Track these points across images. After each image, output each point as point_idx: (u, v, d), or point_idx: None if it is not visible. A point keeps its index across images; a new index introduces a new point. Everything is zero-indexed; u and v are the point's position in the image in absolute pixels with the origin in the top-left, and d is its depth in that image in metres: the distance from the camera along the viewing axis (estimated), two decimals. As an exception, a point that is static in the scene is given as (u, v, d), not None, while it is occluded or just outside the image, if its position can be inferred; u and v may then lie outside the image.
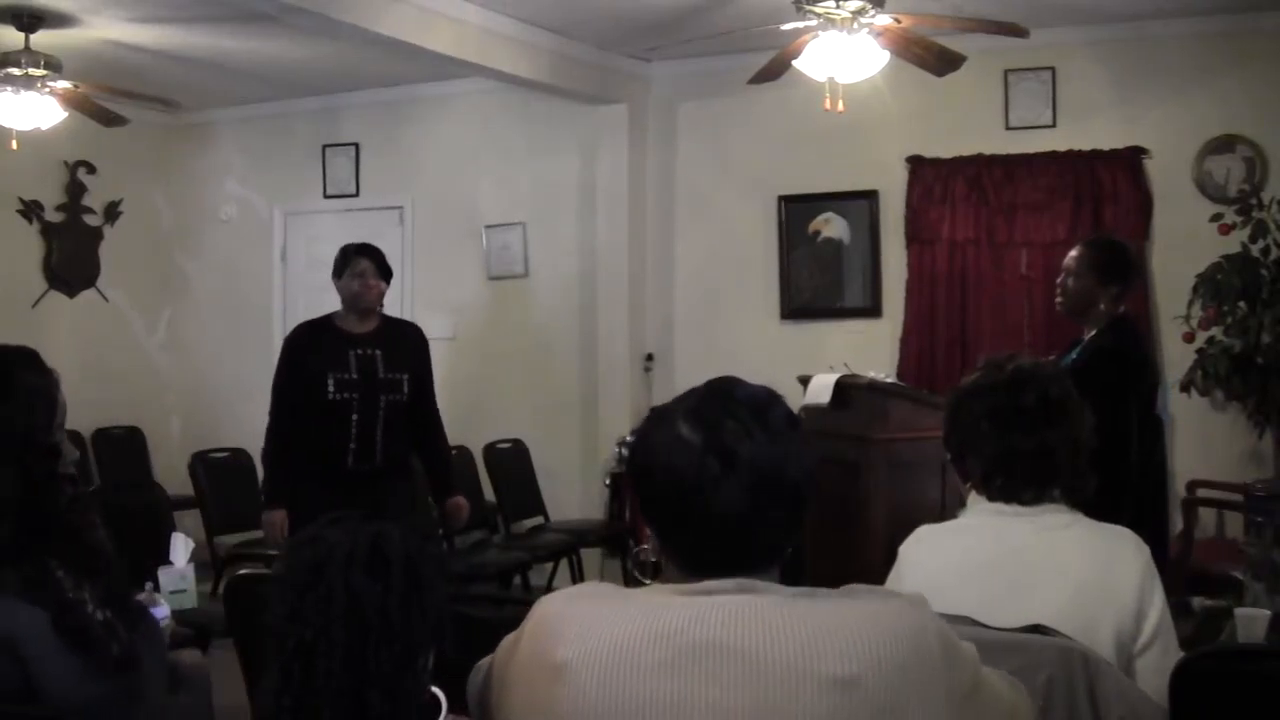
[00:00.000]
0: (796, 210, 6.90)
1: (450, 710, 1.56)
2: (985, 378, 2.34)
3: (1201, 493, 5.73)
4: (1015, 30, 4.80)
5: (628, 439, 6.04)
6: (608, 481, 6.99)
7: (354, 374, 4.36)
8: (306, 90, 7.69)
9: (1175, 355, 5.90)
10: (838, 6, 4.66)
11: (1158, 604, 2.15)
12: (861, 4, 4.66)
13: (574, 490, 7.18)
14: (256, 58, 6.85)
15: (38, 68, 5.82)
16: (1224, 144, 6.10)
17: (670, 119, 7.22)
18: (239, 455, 6.60)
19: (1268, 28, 5.97)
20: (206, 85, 7.44)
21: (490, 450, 6.83)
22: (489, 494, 6.70)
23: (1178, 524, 5.43)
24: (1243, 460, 5.89)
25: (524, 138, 7.45)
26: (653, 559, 1.60)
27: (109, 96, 6.13)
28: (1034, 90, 6.42)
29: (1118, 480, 3.13)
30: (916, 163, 6.60)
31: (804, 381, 5.18)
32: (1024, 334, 6.16)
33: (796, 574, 1.55)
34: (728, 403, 1.54)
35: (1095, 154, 6.26)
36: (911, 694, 1.42)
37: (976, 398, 2.31)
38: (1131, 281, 4.04)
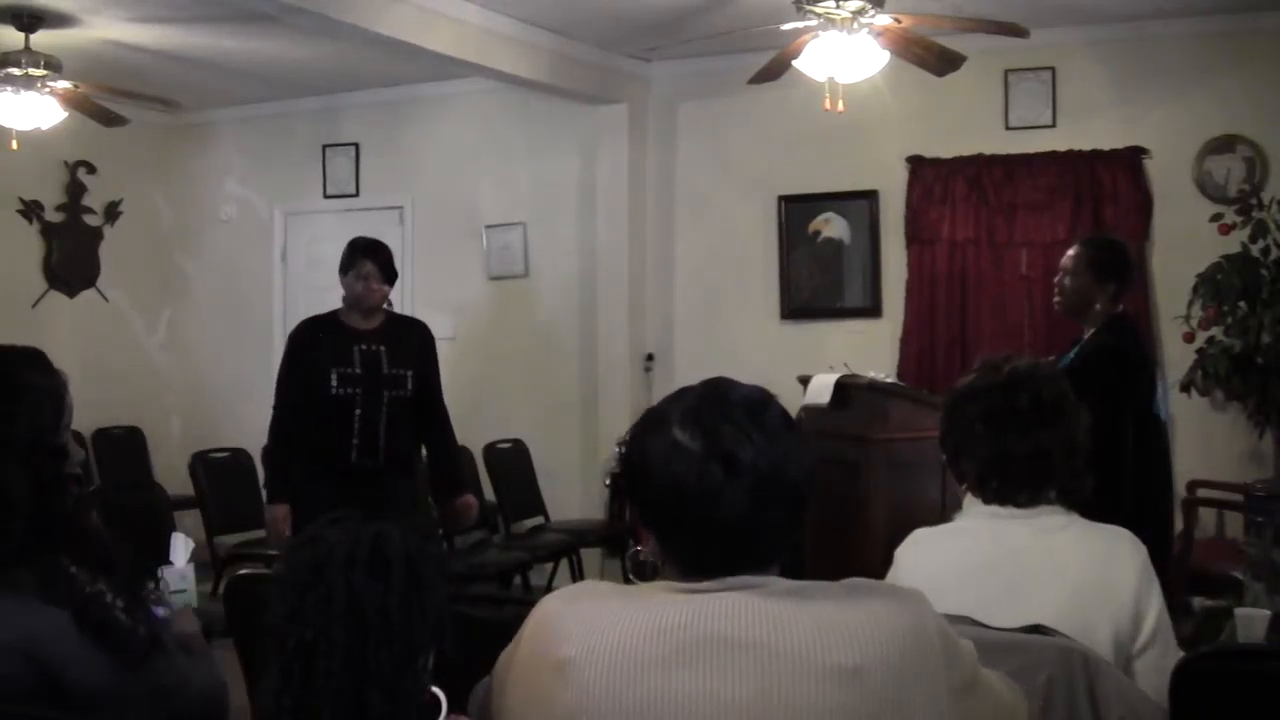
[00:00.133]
0: (796, 210, 6.90)
1: (450, 710, 1.56)
2: (980, 379, 2.32)
3: (1201, 493, 5.73)
4: (1015, 30, 4.80)
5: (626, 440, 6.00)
6: (608, 481, 6.99)
7: (357, 369, 4.36)
8: (306, 90, 7.69)
9: (1175, 355, 5.90)
10: (838, 6, 4.66)
11: (1156, 604, 2.15)
12: (861, 4, 4.66)
13: (574, 490, 7.18)
14: (256, 58, 6.85)
15: (38, 68, 5.82)
16: (1224, 144, 6.10)
17: (670, 119, 7.22)
18: (239, 455, 6.60)
19: (1268, 28, 5.97)
20: (206, 85, 7.44)
21: (490, 450, 6.83)
22: (489, 494, 6.70)
23: (1178, 524, 5.43)
24: (1243, 460, 5.89)
25: (524, 138, 7.45)
26: (650, 559, 1.60)
27: (109, 96, 6.13)
28: (1034, 90, 6.42)
29: (1114, 480, 3.13)
30: (916, 163, 6.60)
31: (804, 381, 5.18)
32: (1024, 334, 6.16)
33: (797, 574, 1.55)
34: (724, 406, 1.53)
35: (1095, 154, 6.26)
36: (914, 686, 1.43)
37: (971, 399, 2.30)
38: (1129, 280, 4.04)
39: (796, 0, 4.71)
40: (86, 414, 7.07)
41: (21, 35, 5.86)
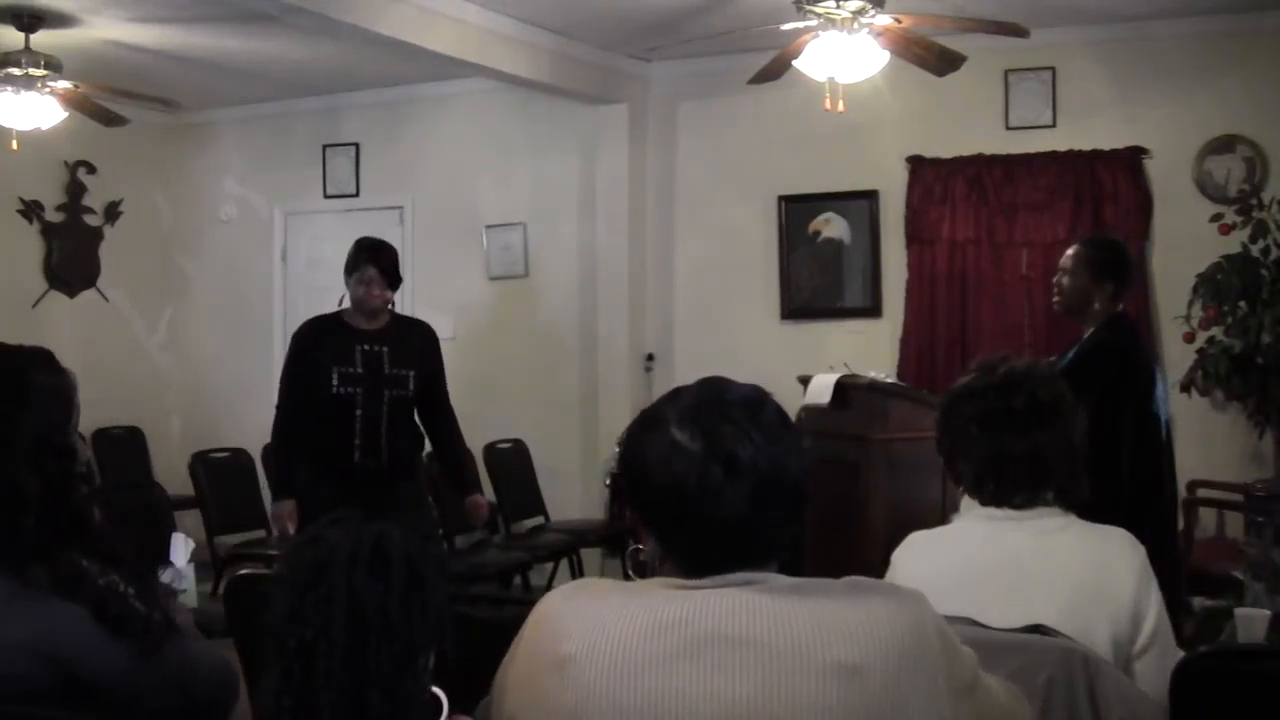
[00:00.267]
0: (796, 210, 6.90)
1: (451, 710, 1.56)
2: (976, 380, 2.30)
3: (1201, 493, 5.73)
4: (1015, 30, 4.80)
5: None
6: (608, 481, 6.99)
7: (359, 369, 4.37)
8: (307, 90, 7.69)
9: (1175, 355, 5.90)
10: (838, 6, 4.66)
11: (1155, 605, 2.14)
12: (861, 4, 4.66)
13: (574, 490, 7.18)
14: (256, 58, 6.85)
15: (38, 68, 5.82)
16: (1224, 144, 6.10)
17: (670, 119, 7.22)
18: (239, 455, 6.60)
19: (1268, 28, 5.97)
20: (206, 85, 7.44)
21: (491, 450, 6.83)
22: (489, 494, 6.69)
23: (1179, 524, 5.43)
24: (1243, 460, 5.89)
25: (524, 138, 7.45)
26: (649, 559, 1.60)
27: (109, 96, 6.13)
28: (1034, 90, 6.42)
29: (1110, 479, 3.13)
30: (916, 163, 6.60)
31: (804, 381, 5.18)
32: (1024, 334, 6.16)
33: (796, 573, 1.55)
34: (722, 406, 1.53)
35: (1095, 154, 6.26)
36: (913, 685, 1.43)
37: (967, 400, 2.29)
38: (1127, 279, 4.04)
39: (796, 0, 4.71)
40: (86, 414, 6.99)
41: (21, 35, 5.86)
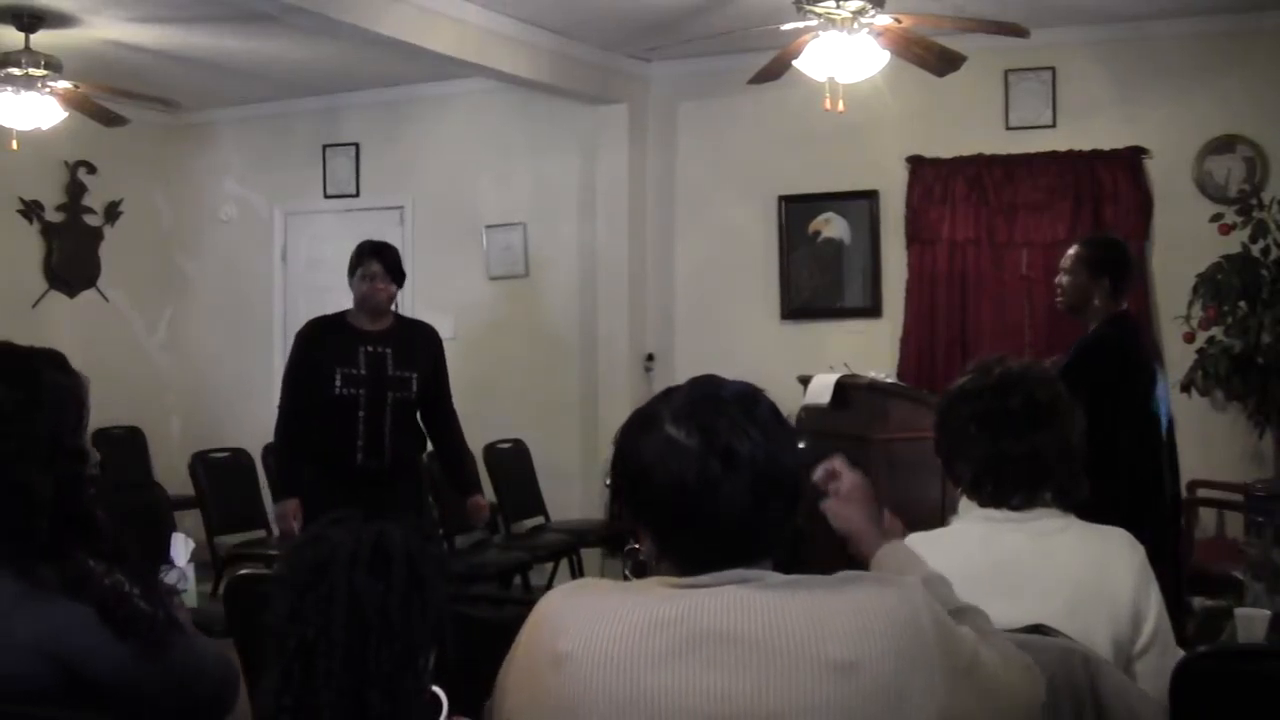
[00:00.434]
0: (796, 210, 6.90)
1: (451, 710, 1.56)
2: (973, 381, 2.30)
3: (1201, 493, 5.73)
4: (1015, 30, 4.80)
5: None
6: (608, 481, 6.94)
7: (361, 370, 4.37)
8: (306, 90, 7.69)
9: (1175, 355, 5.89)
10: (838, 6, 4.66)
11: (1155, 605, 2.14)
12: (861, 4, 4.66)
13: (574, 490, 7.18)
14: (256, 58, 6.85)
15: (38, 68, 5.81)
16: (1224, 144, 6.10)
17: (670, 119, 7.22)
18: (239, 455, 6.60)
19: (1268, 28, 5.97)
20: (206, 85, 7.44)
21: (491, 450, 6.83)
22: (490, 494, 6.69)
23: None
24: (1243, 460, 5.89)
25: (524, 138, 7.45)
26: (647, 559, 1.60)
27: (109, 96, 6.13)
28: (1034, 90, 6.42)
29: (1109, 478, 3.12)
30: (916, 163, 6.60)
31: (804, 381, 5.18)
32: (1024, 334, 6.16)
33: (793, 572, 1.56)
34: (717, 402, 1.54)
35: (1095, 154, 6.26)
36: (910, 677, 1.44)
37: (964, 401, 2.28)
38: (1126, 276, 4.06)
39: (796, 0, 4.71)
40: (87, 414, 7.08)
41: (21, 35, 5.86)
